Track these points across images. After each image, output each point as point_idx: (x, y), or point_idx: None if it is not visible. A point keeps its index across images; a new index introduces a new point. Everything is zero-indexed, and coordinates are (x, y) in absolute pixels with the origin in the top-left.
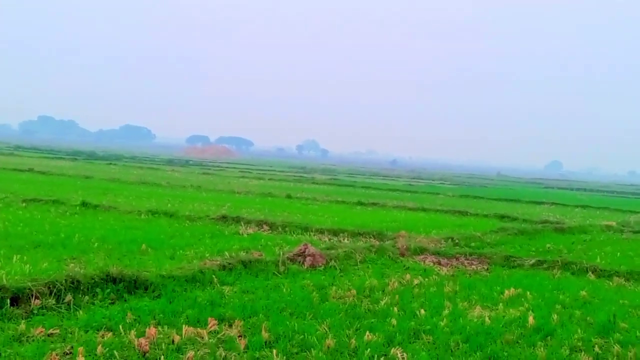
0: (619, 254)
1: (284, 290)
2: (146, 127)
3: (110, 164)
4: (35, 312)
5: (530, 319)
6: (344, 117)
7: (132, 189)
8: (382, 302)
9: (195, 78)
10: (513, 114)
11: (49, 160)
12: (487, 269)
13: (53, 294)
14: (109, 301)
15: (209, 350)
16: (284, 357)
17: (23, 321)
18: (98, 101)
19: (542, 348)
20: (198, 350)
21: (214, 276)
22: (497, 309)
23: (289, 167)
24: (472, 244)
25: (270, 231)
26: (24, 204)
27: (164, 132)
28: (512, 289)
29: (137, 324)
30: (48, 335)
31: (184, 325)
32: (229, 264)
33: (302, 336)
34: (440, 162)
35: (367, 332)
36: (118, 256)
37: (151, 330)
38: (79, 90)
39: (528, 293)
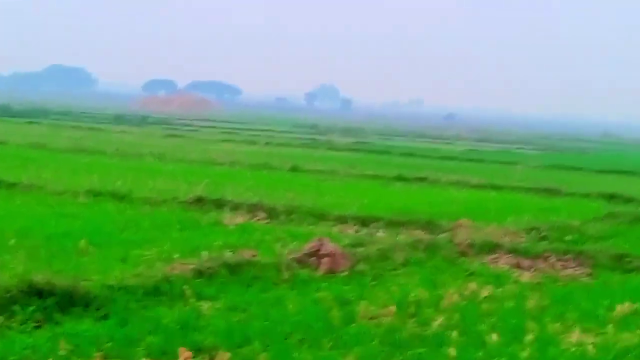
0: None
1: (290, 306)
2: (84, 68)
3: (32, 122)
4: None
5: None
6: (373, 52)
7: (65, 160)
8: (435, 324)
9: (155, 3)
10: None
11: None
12: (590, 274)
13: None
14: (33, 324)
15: None
16: None
17: None
18: (11, 35)
19: None
20: None
21: (186, 287)
22: (605, 333)
23: (295, 126)
24: (567, 238)
25: (268, 220)
26: None
27: (110, 76)
28: (626, 304)
29: (75, 358)
30: None
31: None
32: (209, 268)
33: None
34: (518, 116)
35: None
36: (46, 258)
37: None
38: None
39: None
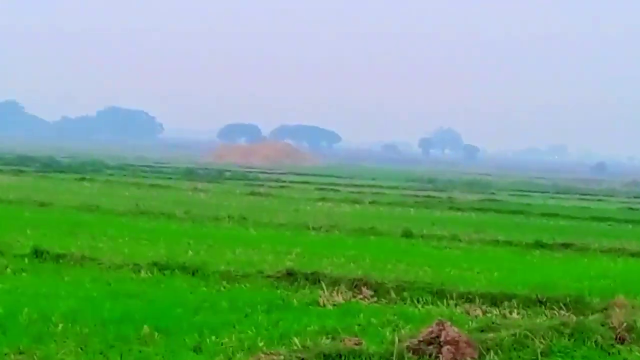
0: None
1: None
2: (146, 113)
3: (83, 178)
4: None
5: None
6: (507, 91)
7: (123, 225)
8: None
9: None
10: None
11: None
12: None
13: None
14: None
15: None
16: None
17: None
18: (56, 72)
19: None
20: None
21: None
22: None
23: (407, 180)
24: None
25: (374, 299)
26: None
27: (179, 122)
28: None
29: None
30: None
31: None
32: (302, 359)
33: None
34: None
35: None
36: (101, 348)
37: None
38: (22, 57)
39: None
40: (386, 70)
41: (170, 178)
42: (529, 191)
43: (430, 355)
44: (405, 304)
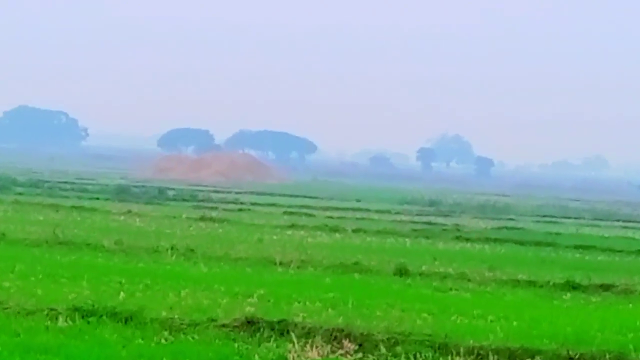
0: None
1: None
2: (66, 114)
3: None
4: None
5: None
6: (525, 93)
7: (37, 258)
8: None
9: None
10: None
11: None
12: None
13: None
14: None
15: None
16: None
17: None
18: None
19: None
20: None
21: None
22: None
23: (402, 202)
24: None
25: (360, 355)
26: None
27: (108, 126)
28: None
29: None
30: None
31: None
32: None
33: None
34: None
35: None
36: None
37: None
38: None
39: None
40: (376, 66)
41: (97, 198)
42: (559, 217)
43: None
44: None
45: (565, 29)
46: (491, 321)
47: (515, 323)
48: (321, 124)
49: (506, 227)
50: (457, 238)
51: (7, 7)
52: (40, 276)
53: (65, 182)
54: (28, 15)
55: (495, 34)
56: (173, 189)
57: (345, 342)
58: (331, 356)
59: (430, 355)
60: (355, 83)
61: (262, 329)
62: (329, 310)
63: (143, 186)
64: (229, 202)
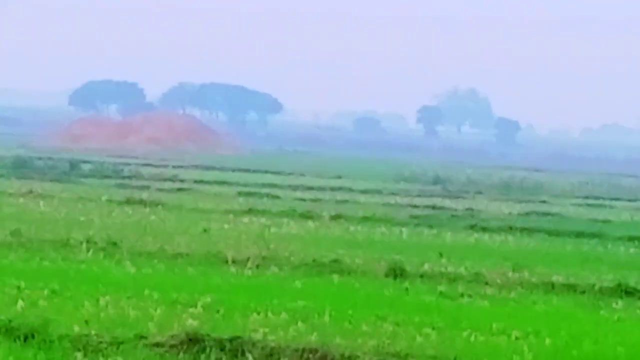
0: None
1: None
2: None
3: None
4: None
5: None
6: (562, 43)
7: None
8: None
9: None
10: None
11: None
12: None
13: None
14: None
15: None
16: None
17: None
18: None
19: None
20: None
21: None
22: None
23: (397, 179)
24: None
25: None
26: None
27: (4, 79)
28: None
29: None
30: None
31: None
32: None
33: None
34: None
35: None
36: None
37: None
38: None
39: None
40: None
41: None
42: (608, 199)
43: None
44: None
45: None
46: (516, 338)
47: (548, 340)
48: (289, 78)
49: (536, 213)
50: (472, 227)
51: None
52: None
53: None
54: None
55: None
56: (90, 162)
57: None
58: None
59: None
60: (337, 23)
61: (208, 349)
62: (299, 323)
63: (50, 158)
64: (164, 180)
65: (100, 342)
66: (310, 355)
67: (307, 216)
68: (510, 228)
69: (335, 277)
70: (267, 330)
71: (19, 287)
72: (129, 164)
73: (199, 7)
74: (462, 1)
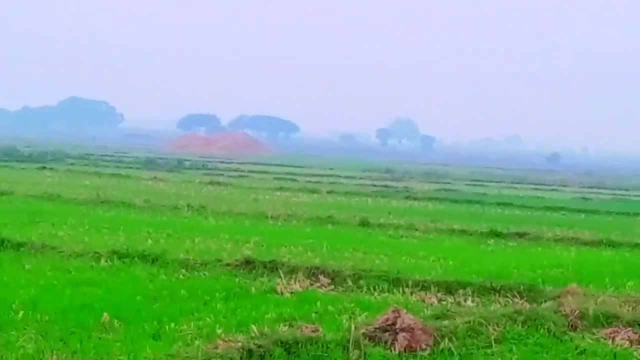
0: None
1: None
2: (106, 102)
3: (44, 167)
4: None
5: None
6: (462, 82)
7: (84, 214)
8: None
9: (186, 31)
10: None
11: None
12: None
13: None
14: None
15: None
16: None
17: None
18: (19, 62)
19: None
20: None
21: None
22: None
23: (365, 170)
24: None
25: (332, 287)
26: None
27: (139, 112)
28: None
29: None
30: None
31: None
32: (260, 347)
33: None
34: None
35: None
36: (61, 335)
37: None
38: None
39: None
40: (344, 62)
41: (131, 167)
42: (485, 181)
43: (386, 342)
44: (362, 291)
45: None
46: (432, 261)
47: (451, 262)
48: (302, 110)
49: (444, 189)
50: (407, 197)
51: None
52: (87, 227)
53: (106, 155)
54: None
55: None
56: (189, 160)
57: (321, 277)
58: (310, 288)
59: (386, 287)
60: (331, 78)
61: (256, 267)
62: (308, 253)
63: (166, 158)
64: (231, 171)
65: (195, 264)
66: (315, 271)
67: (312, 191)
68: (429, 198)
69: (330, 226)
70: (290, 256)
71: (148, 232)
72: (211, 161)
73: (253, 69)
74: (410, 58)
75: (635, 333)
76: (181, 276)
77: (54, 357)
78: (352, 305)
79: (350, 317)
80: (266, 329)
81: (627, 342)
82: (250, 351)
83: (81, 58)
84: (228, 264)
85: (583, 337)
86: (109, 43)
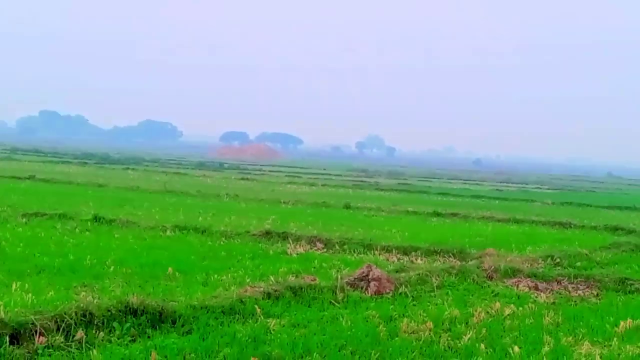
0: None
1: (344, 323)
2: (170, 123)
3: (128, 168)
4: (40, 351)
5: None
6: (415, 107)
7: (155, 199)
8: (466, 338)
9: (228, 68)
10: (631, 100)
11: (53, 165)
12: (597, 295)
13: (61, 330)
14: (129, 338)
15: None
16: None
17: None
18: (111, 93)
19: None
20: None
21: (256, 306)
22: (610, 346)
23: (347, 170)
24: (578, 264)
25: (325, 250)
26: (24, 220)
27: (193, 129)
28: (629, 320)
29: None
30: None
31: None
32: (275, 291)
33: None
34: (535, 161)
35: None
36: (139, 282)
37: None
38: (88, 81)
39: None
40: (336, 86)
41: (187, 168)
42: (430, 178)
43: (362, 288)
44: (345, 253)
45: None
46: (394, 232)
47: (406, 233)
48: (307, 127)
49: (402, 183)
50: (377, 189)
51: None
52: (157, 209)
53: (170, 160)
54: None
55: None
56: (227, 163)
57: (317, 243)
58: (310, 251)
59: (362, 250)
60: (327, 100)
61: (273, 237)
62: (309, 227)
63: (212, 162)
64: (256, 170)
65: (231, 233)
66: (313, 238)
67: (312, 184)
68: (392, 189)
69: (324, 209)
70: (296, 229)
71: (199, 212)
72: (242, 164)
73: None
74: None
75: (533, 282)
76: (222, 242)
77: (135, 297)
78: (339, 262)
79: (338, 271)
80: (280, 278)
81: (527, 288)
82: (268, 294)
83: (152, 90)
84: (254, 234)
85: (497, 284)
86: (171, 78)
